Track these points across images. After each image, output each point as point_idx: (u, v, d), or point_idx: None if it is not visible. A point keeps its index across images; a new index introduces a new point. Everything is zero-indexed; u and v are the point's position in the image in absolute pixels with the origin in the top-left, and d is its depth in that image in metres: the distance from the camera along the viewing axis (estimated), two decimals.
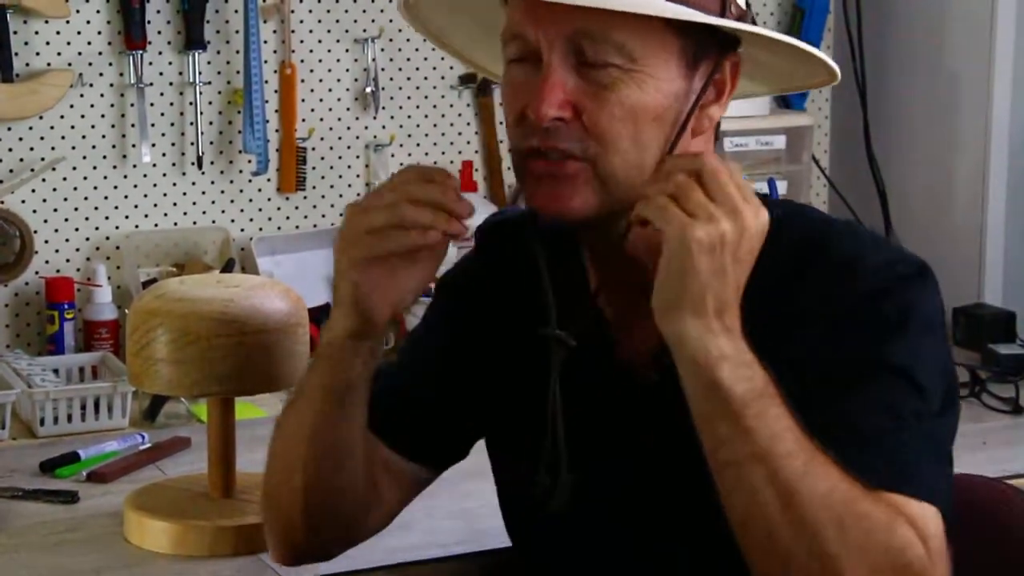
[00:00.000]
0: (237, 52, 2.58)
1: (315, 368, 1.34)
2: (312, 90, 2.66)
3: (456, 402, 1.43)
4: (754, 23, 1.26)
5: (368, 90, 2.68)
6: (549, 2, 1.15)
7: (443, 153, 2.77)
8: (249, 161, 2.61)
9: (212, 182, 2.61)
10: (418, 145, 2.75)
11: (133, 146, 2.53)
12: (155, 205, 2.57)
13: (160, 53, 2.54)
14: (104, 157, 2.52)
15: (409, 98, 2.73)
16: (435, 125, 2.75)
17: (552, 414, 1.28)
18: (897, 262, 1.27)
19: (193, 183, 2.59)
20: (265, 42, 2.60)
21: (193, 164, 2.57)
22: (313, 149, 2.67)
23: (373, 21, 2.67)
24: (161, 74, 2.54)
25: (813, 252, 1.26)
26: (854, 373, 1.21)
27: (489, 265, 1.44)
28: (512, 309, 1.39)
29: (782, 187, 2.87)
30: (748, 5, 1.27)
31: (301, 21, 2.63)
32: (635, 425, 1.32)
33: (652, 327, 1.22)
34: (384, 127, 2.72)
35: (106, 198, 2.54)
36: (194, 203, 2.60)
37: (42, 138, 2.47)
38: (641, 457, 1.31)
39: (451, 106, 2.73)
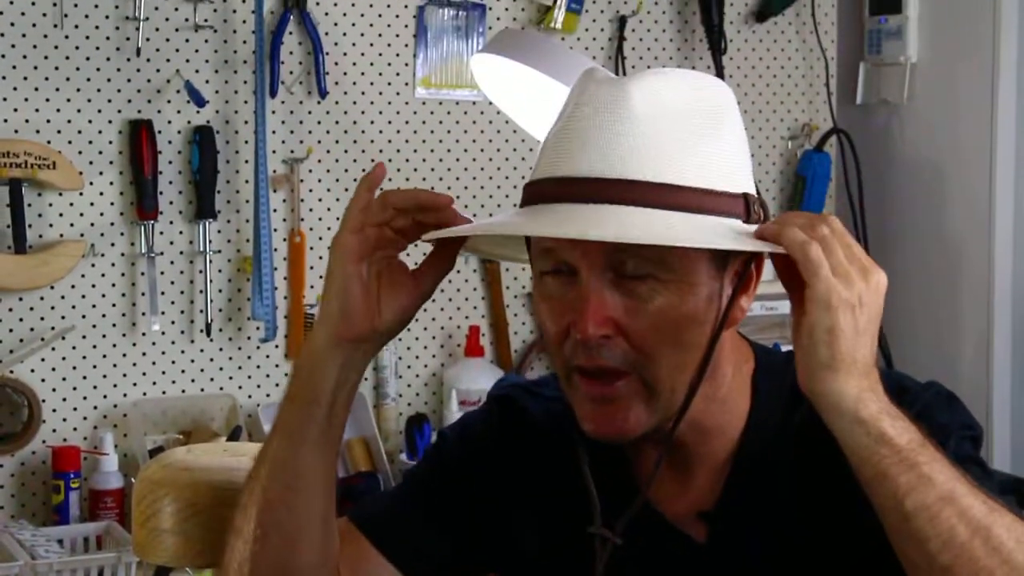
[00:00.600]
0: (247, 221, 2.61)
1: (289, 381, 1.34)
2: (321, 257, 2.69)
3: (463, 542, 1.42)
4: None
5: None
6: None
7: (450, 318, 2.78)
8: (258, 328, 2.62)
9: (220, 349, 2.62)
10: (425, 310, 2.76)
11: (143, 314, 2.55)
12: (163, 372, 2.58)
13: (171, 223, 2.57)
14: (114, 326, 2.54)
15: (416, 264, 2.74)
16: (442, 290, 2.77)
17: None
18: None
19: (201, 350, 2.60)
20: (275, 211, 2.63)
21: (202, 331, 2.59)
22: None
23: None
24: (172, 243, 2.57)
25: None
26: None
27: (508, 435, 1.43)
28: (543, 487, 1.38)
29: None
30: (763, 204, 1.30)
31: (310, 190, 2.67)
32: None
33: (694, 487, 1.27)
34: None
35: (115, 366, 2.54)
36: (202, 370, 2.61)
37: (53, 307, 2.49)
38: None
39: (458, 271, 2.76)
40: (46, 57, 2.47)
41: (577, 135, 1.22)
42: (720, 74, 2.91)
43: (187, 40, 2.57)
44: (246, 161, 2.61)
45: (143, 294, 2.55)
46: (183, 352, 2.59)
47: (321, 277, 2.66)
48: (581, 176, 1.20)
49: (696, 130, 1.23)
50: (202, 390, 2.61)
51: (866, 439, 1.15)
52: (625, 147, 1.20)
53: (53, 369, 2.50)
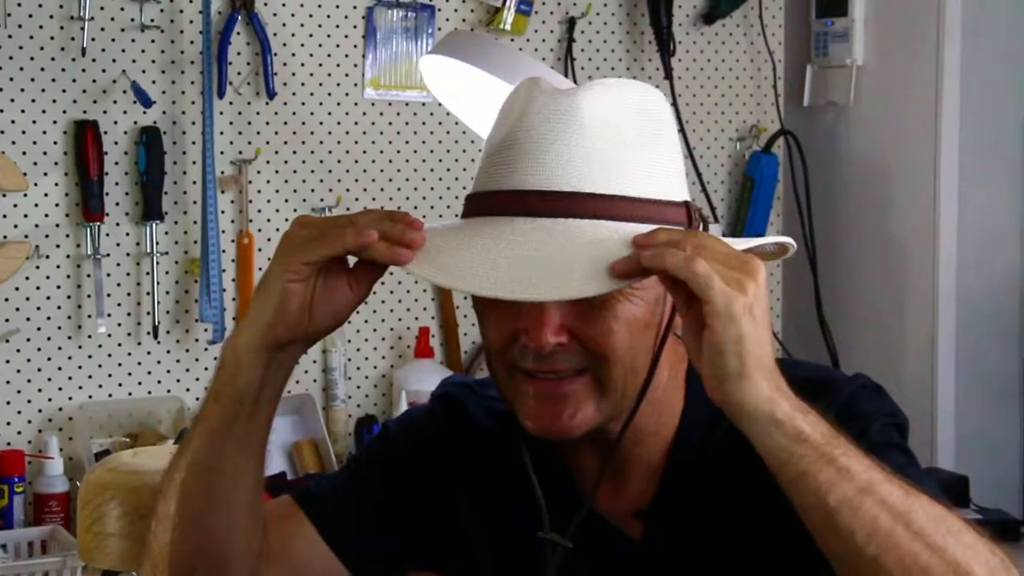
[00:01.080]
0: (195, 222, 2.60)
1: (213, 377, 1.30)
2: (269, 258, 2.65)
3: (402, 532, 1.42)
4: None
5: None
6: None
7: (399, 320, 2.78)
8: (206, 330, 2.61)
9: (168, 351, 2.60)
10: (374, 312, 2.76)
11: (89, 317, 2.53)
12: (109, 375, 2.56)
13: (117, 224, 2.55)
14: (59, 328, 2.52)
15: None
16: (392, 292, 2.77)
17: None
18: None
19: (148, 352, 2.59)
20: (223, 212, 2.62)
21: (149, 334, 2.57)
22: None
23: (330, 191, 2.71)
24: (118, 245, 2.55)
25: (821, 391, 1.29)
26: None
27: (452, 434, 1.42)
28: (488, 488, 1.38)
29: None
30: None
31: (259, 191, 2.66)
32: None
33: (629, 487, 1.29)
34: None
35: (60, 369, 2.52)
36: (149, 372, 2.59)
37: None
38: None
39: (407, 273, 2.74)
40: None
41: (526, 146, 1.21)
42: (669, 76, 2.93)
43: (133, 40, 2.55)
44: (193, 162, 2.60)
45: (89, 296, 2.53)
46: (130, 354, 2.57)
47: None
48: (533, 189, 1.20)
49: (641, 141, 1.24)
50: (149, 393, 2.59)
51: (784, 440, 1.14)
52: (578, 159, 1.20)
53: None
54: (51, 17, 2.48)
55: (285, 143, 2.68)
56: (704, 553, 1.31)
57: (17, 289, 2.48)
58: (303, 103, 2.69)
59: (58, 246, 2.51)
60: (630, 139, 1.23)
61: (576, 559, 1.30)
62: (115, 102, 2.54)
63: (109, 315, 2.54)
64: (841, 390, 1.30)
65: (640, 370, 1.24)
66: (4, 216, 2.47)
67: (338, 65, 2.72)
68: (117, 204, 2.55)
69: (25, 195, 2.48)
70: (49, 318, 2.51)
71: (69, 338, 2.53)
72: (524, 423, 1.25)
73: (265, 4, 2.64)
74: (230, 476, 1.29)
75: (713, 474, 1.30)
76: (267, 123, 2.66)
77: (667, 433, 1.32)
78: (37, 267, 2.50)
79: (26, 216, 2.49)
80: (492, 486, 1.38)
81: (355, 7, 2.72)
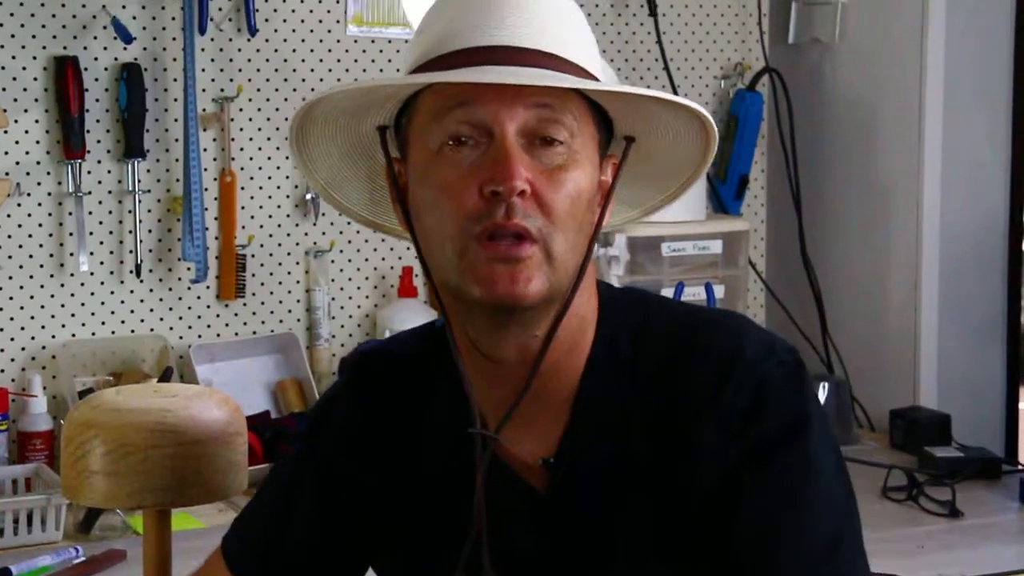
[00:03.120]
0: (177, 160, 2.59)
1: None
2: (252, 197, 2.67)
3: (335, 543, 1.39)
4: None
5: (308, 197, 2.69)
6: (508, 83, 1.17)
7: (383, 259, 2.78)
8: (188, 269, 2.61)
9: (151, 290, 2.60)
10: (358, 251, 2.76)
11: (71, 255, 2.53)
12: (92, 314, 2.56)
13: (99, 162, 2.54)
14: (41, 266, 2.52)
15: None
16: (375, 231, 2.76)
17: (479, 512, 1.25)
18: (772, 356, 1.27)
19: (131, 291, 2.58)
20: (205, 150, 2.61)
21: (131, 272, 2.57)
22: (253, 256, 2.68)
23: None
24: (100, 183, 2.55)
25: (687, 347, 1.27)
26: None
27: (364, 397, 1.39)
28: (400, 438, 1.35)
29: (719, 291, 2.90)
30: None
31: (241, 129, 2.65)
32: (533, 530, 1.29)
33: (536, 432, 1.25)
34: (324, 233, 2.73)
35: (43, 307, 2.52)
36: (132, 311, 2.59)
37: None
38: (543, 563, 1.29)
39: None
40: None
41: (493, 8, 1.21)
42: (653, 12, 2.92)
43: None
44: (175, 99, 2.59)
45: (71, 234, 2.52)
46: (113, 293, 2.57)
47: (252, 217, 2.66)
48: (503, 44, 1.19)
49: (581, 22, 1.26)
50: (132, 331, 2.59)
51: None
52: (539, 21, 1.21)
53: None
54: None
55: (267, 80, 2.67)
56: (613, 506, 1.25)
57: None
58: (285, 40, 2.67)
59: (39, 184, 2.50)
60: (576, 17, 1.26)
61: (487, 507, 1.26)
62: (95, 38, 2.52)
63: (91, 253, 2.54)
64: (751, 372, 1.23)
65: (578, 248, 1.22)
66: None
67: (320, 1, 2.70)
68: (98, 142, 2.54)
69: (5, 132, 2.47)
70: (31, 256, 2.51)
71: (51, 276, 2.53)
72: (475, 291, 1.20)
73: None
74: None
75: (626, 423, 1.25)
76: (249, 60, 2.65)
77: (573, 373, 1.27)
78: (18, 204, 2.49)
79: (6, 154, 2.48)
80: (401, 428, 1.35)
81: None
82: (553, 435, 1.27)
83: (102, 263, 2.56)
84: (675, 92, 2.95)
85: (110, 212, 2.56)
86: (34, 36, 2.48)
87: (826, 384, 2.79)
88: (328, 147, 1.32)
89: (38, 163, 2.50)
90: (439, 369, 1.32)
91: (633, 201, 1.36)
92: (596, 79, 1.24)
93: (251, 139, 2.66)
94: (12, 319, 2.50)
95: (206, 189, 2.61)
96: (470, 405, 1.26)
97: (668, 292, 2.82)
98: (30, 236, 2.51)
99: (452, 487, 1.30)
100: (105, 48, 2.53)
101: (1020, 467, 2.49)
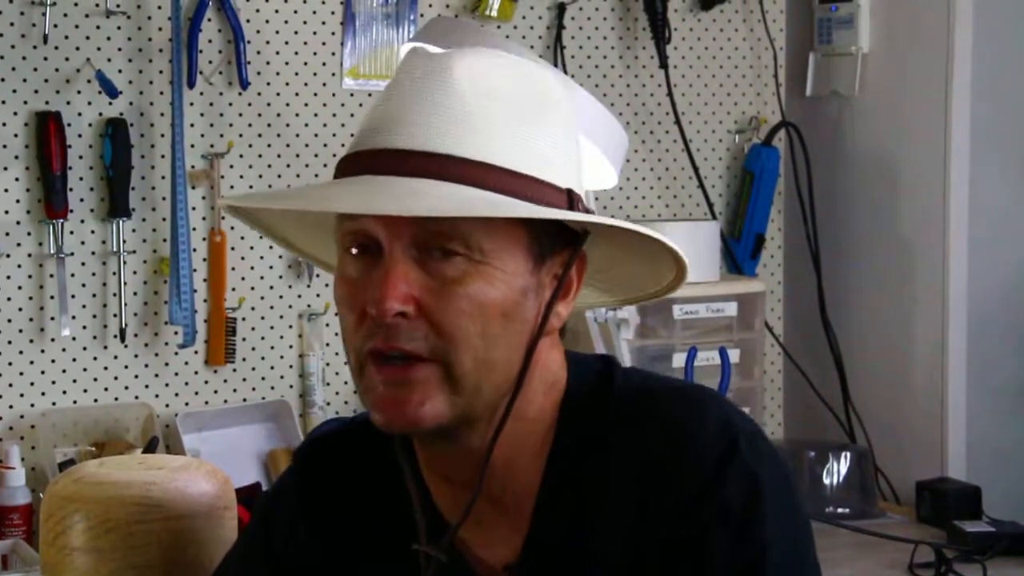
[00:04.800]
0: (164, 219, 2.60)
1: None
2: (243, 258, 2.68)
3: None
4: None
5: (301, 257, 2.70)
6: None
7: None
8: (175, 333, 2.61)
9: (136, 355, 2.60)
10: None
11: (52, 319, 2.53)
12: (74, 381, 2.56)
13: (82, 221, 2.55)
14: (20, 331, 2.52)
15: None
16: None
17: None
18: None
19: (115, 357, 2.59)
20: (193, 209, 2.62)
21: (115, 337, 2.57)
22: (243, 319, 2.68)
23: (306, 185, 2.70)
24: (83, 243, 2.56)
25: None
26: None
27: (313, 488, 1.39)
28: (349, 532, 1.35)
29: (734, 355, 2.89)
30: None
31: (231, 187, 2.66)
32: None
33: (499, 536, 1.24)
34: (318, 295, 2.74)
35: (22, 374, 2.52)
36: (116, 378, 2.59)
37: None
38: None
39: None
40: None
41: (394, 107, 1.19)
42: (664, 65, 2.94)
43: (98, 27, 2.55)
44: (162, 156, 2.60)
45: (52, 297, 2.53)
46: (96, 359, 2.58)
47: (243, 279, 2.67)
48: (396, 148, 1.18)
49: (520, 112, 1.20)
50: (116, 399, 2.59)
51: None
52: (443, 120, 1.18)
53: None
54: (10, 2, 2.49)
55: (259, 136, 2.68)
56: None
57: None
58: (278, 93, 2.69)
59: (19, 244, 2.51)
60: (508, 109, 1.20)
61: None
62: (79, 92, 2.54)
63: (74, 317, 2.55)
64: (708, 450, 1.21)
65: (497, 365, 1.19)
66: None
67: (315, 53, 2.72)
68: (81, 200, 2.55)
69: None
70: (10, 320, 2.52)
71: (31, 341, 2.53)
72: (374, 417, 1.21)
73: None
74: None
75: (590, 526, 1.23)
76: (240, 115, 2.67)
77: (534, 474, 1.26)
78: None
79: None
80: (351, 521, 1.34)
81: None
82: (515, 541, 1.26)
83: (85, 327, 2.57)
84: (687, 147, 2.98)
85: (93, 274, 2.57)
86: (15, 90, 2.50)
87: (848, 454, 2.79)
88: (278, 216, 1.33)
89: (18, 223, 2.51)
90: (393, 465, 1.30)
91: (604, 287, 1.35)
92: (523, 175, 1.19)
93: None
94: None
95: (194, 249, 2.62)
96: (417, 518, 1.26)
97: (680, 356, 2.82)
98: (9, 299, 2.51)
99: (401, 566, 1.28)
100: (89, 103, 2.55)
101: None
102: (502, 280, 1.19)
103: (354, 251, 1.20)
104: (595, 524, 1.23)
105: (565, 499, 1.25)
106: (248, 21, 2.65)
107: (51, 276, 2.53)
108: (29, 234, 2.52)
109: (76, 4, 2.53)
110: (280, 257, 2.70)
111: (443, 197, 1.15)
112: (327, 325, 2.74)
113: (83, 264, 2.56)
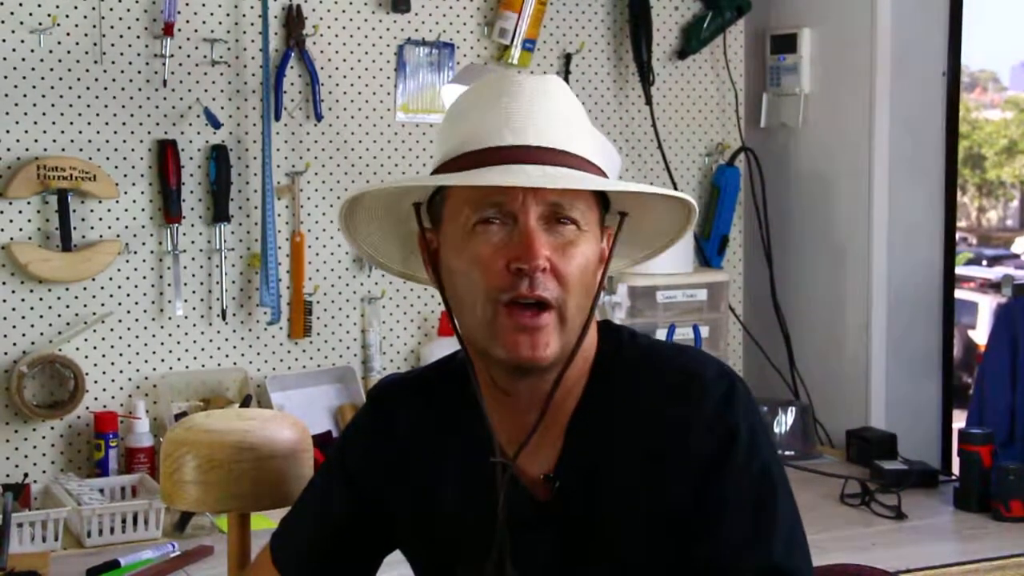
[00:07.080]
0: (256, 224, 2.62)
1: None
2: (317, 254, 2.70)
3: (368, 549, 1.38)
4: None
5: None
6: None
7: (425, 304, 2.80)
8: (265, 313, 2.63)
9: (234, 331, 2.62)
10: (405, 298, 2.78)
11: (169, 302, 2.55)
12: (186, 350, 2.58)
13: (192, 225, 2.57)
14: (144, 311, 2.54)
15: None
16: (404, 281, 2.77)
17: (501, 528, 1.25)
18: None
19: (218, 332, 2.60)
20: (279, 215, 2.63)
21: (218, 316, 2.59)
22: (318, 302, 2.70)
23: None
24: (193, 242, 2.57)
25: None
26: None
27: (384, 423, 1.36)
28: (414, 452, 1.34)
29: (704, 331, 2.90)
30: None
31: (308, 198, 2.67)
32: (539, 533, 1.28)
33: (541, 453, 1.24)
34: (376, 284, 2.75)
35: (146, 345, 2.54)
36: (218, 348, 2.61)
37: (94, 297, 2.49)
38: (550, 559, 1.28)
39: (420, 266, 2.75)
40: (88, 88, 2.47)
41: (515, 113, 1.21)
42: (649, 102, 2.94)
43: (205, 73, 2.56)
44: (255, 174, 2.61)
45: (169, 285, 2.55)
46: (203, 333, 2.59)
47: (318, 270, 2.68)
48: (527, 145, 1.20)
49: (586, 121, 1.27)
50: (219, 365, 2.61)
51: None
52: (556, 124, 1.22)
53: (94, 348, 2.50)
54: (139, 55, 2.50)
55: (330, 158, 2.70)
56: (606, 517, 1.24)
57: (110, 279, 2.51)
58: (345, 125, 2.70)
59: (144, 244, 2.53)
60: (582, 117, 1.26)
61: (488, 522, 1.25)
62: (190, 124, 2.56)
63: (185, 301, 2.56)
64: (709, 391, 1.23)
65: (584, 308, 1.22)
66: (100, 219, 2.49)
67: (374, 93, 2.73)
68: (192, 209, 2.57)
69: (117, 202, 2.50)
70: (136, 303, 2.53)
71: (153, 320, 2.55)
72: (501, 353, 1.21)
73: (314, 43, 2.65)
74: None
75: (618, 445, 1.24)
76: (315, 141, 2.68)
77: (575, 395, 1.26)
78: (127, 261, 2.52)
79: (117, 219, 2.51)
80: (422, 450, 1.33)
81: (388, 45, 2.74)
82: (552, 456, 1.27)
83: (194, 309, 2.58)
84: (667, 167, 2.98)
85: (201, 267, 2.59)
86: (141, 123, 2.52)
87: (793, 408, 2.79)
88: (369, 217, 1.34)
89: (143, 227, 2.53)
90: (458, 398, 1.31)
91: (621, 253, 1.37)
92: (600, 169, 1.24)
93: (317, 206, 2.69)
94: (121, 355, 2.53)
95: (280, 247, 2.63)
96: (491, 437, 1.26)
97: (662, 332, 2.82)
98: (136, 287, 2.53)
99: (471, 502, 1.28)
100: (198, 132, 2.56)
101: (953, 477, 2.48)
102: (594, 243, 1.23)
103: (497, 222, 1.20)
104: (619, 441, 1.24)
105: (594, 421, 1.26)
106: (322, 68, 2.66)
107: (168, 268, 2.55)
108: (151, 236, 2.54)
109: (189, 56, 2.55)
110: (347, 254, 2.72)
111: (572, 178, 1.19)
112: (383, 307, 2.75)
113: (193, 259, 2.58)
